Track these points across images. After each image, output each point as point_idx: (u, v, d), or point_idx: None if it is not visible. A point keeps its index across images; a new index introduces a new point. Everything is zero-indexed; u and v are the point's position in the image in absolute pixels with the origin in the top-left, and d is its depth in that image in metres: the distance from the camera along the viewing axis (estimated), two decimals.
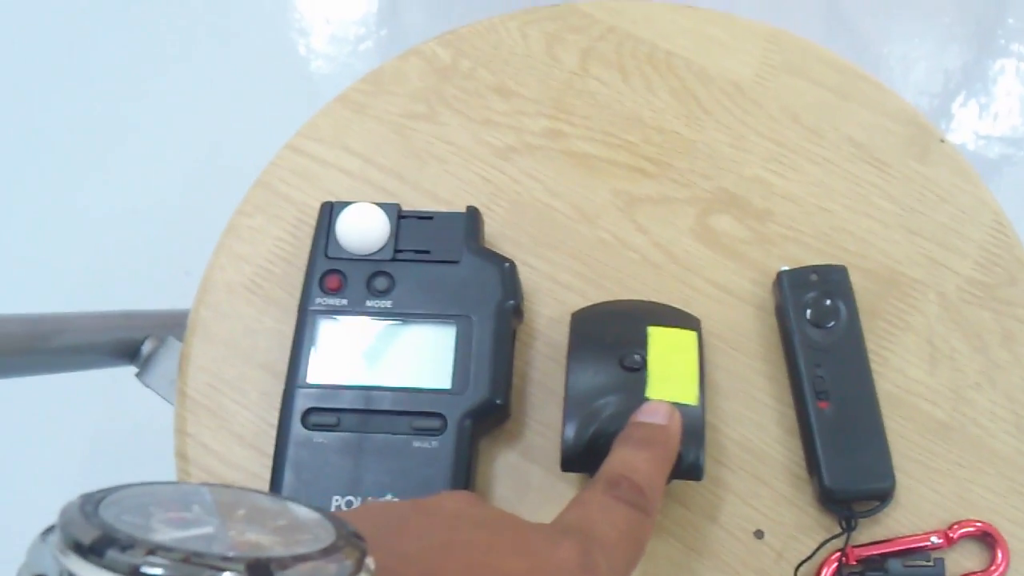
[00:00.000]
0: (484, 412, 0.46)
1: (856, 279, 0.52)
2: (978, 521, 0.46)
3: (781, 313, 0.50)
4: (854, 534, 0.46)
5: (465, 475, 0.45)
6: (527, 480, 0.48)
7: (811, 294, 0.49)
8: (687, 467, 0.43)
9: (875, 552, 0.45)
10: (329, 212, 0.50)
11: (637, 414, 0.42)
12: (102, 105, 1.41)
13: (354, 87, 0.59)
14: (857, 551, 0.46)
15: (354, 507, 0.32)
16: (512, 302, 0.48)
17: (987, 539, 0.46)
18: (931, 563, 0.45)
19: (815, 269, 0.50)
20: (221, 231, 0.55)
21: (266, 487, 0.45)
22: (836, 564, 0.45)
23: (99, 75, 1.43)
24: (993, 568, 0.45)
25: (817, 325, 0.49)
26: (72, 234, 1.31)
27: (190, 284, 0.53)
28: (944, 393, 0.50)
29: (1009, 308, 0.52)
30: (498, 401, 0.46)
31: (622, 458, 0.38)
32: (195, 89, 1.42)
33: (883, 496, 0.47)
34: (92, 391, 1.12)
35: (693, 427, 0.43)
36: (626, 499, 0.36)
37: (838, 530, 0.46)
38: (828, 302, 0.49)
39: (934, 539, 0.46)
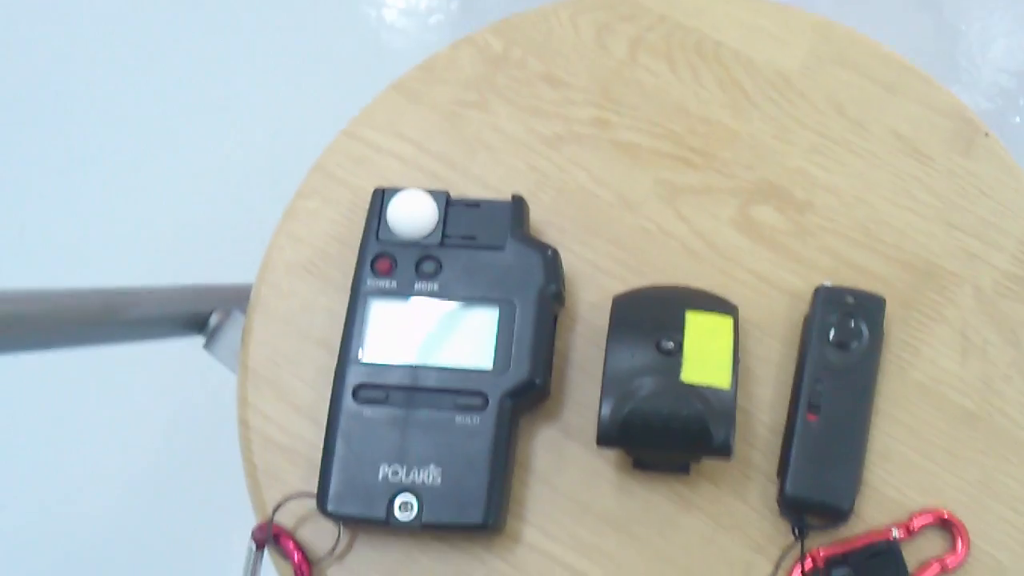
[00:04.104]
0: (524, 391, 0.48)
1: (892, 271, 0.52)
2: (943, 511, 0.48)
3: (807, 322, 0.51)
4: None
5: (505, 450, 0.47)
6: (565, 455, 0.51)
7: (841, 315, 0.50)
8: (717, 446, 0.45)
9: (838, 552, 0.47)
10: (381, 198, 0.53)
11: None
12: (177, 79, 1.45)
13: (408, 75, 0.61)
14: (825, 551, 0.47)
15: None
16: (554, 287, 0.50)
17: (947, 527, 0.48)
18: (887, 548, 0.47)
19: (854, 292, 0.50)
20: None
21: (319, 455, 0.48)
22: (800, 570, 0.47)
23: (175, 48, 1.47)
24: (951, 555, 0.47)
25: (837, 346, 0.49)
26: (150, 210, 1.37)
27: (255, 260, 0.57)
28: (974, 384, 0.51)
29: None
30: (537, 381, 0.48)
31: None
32: (267, 61, 1.45)
33: (839, 515, 0.48)
34: (166, 359, 1.19)
35: (724, 409, 0.45)
36: None
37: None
38: (852, 324, 0.49)
39: (895, 532, 0.47)
